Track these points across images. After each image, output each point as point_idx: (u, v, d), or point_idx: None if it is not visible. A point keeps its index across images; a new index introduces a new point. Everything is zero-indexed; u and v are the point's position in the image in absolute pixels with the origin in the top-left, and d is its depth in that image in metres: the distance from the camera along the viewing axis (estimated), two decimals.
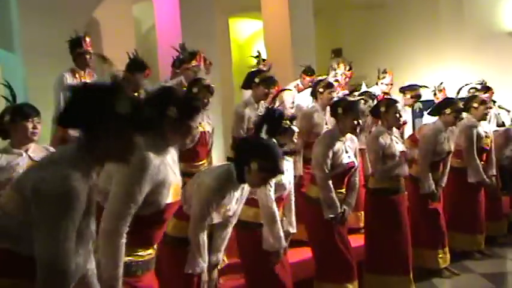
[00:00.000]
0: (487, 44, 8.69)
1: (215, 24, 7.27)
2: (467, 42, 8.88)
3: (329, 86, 4.76)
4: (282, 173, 2.74)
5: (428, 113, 4.92)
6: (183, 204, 2.73)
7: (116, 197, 2.01)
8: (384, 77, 6.10)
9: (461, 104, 4.73)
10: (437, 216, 4.75)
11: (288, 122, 3.28)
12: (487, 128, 5.38)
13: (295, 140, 3.41)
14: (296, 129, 3.36)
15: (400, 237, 4.20)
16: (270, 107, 3.48)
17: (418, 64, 9.09)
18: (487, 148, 5.30)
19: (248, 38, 11.92)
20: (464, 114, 5.03)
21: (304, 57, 8.04)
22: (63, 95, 4.10)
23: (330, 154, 3.70)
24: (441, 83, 5.04)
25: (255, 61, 4.80)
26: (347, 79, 6.09)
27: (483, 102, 5.17)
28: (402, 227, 4.23)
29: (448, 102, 4.69)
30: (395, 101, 4.32)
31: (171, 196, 2.16)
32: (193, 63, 4.62)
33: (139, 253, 2.17)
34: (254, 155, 2.61)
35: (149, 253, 2.22)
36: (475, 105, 5.12)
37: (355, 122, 3.72)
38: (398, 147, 4.23)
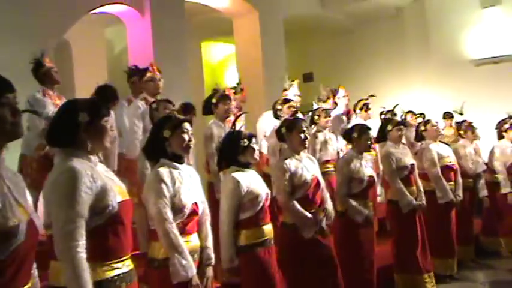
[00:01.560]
0: (450, 71, 8.98)
1: (187, 47, 7.33)
2: (432, 69, 9.18)
3: (286, 101, 5.08)
4: (187, 119, 2.91)
5: (376, 141, 5.11)
6: (151, 221, 2.73)
7: (59, 217, 1.99)
8: (337, 92, 6.67)
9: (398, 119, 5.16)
10: (421, 240, 4.78)
11: (245, 141, 3.31)
12: (445, 148, 5.55)
13: (257, 158, 3.43)
14: (256, 146, 3.38)
15: (364, 262, 4.24)
16: (231, 130, 3.53)
17: (385, 89, 9.30)
18: (451, 166, 5.43)
19: (221, 60, 12.01)
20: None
21: (275, 81, 8.18)
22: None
23: (287, 176, 3.66)
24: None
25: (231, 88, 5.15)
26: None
27: (432, 124, 5.47)
28: (367, 253, 4.26)
29: (387, 121, 5.03)
30: (368, 128, 4.47)
31: (119, 196, 2.15)
32: (149, 74, 4.73)
33: (118, 265, 2.14)
34: (160, 128, 2.82)
35: (127, 264, 2.19)
36: (423, 128, 5.44)
37: (302, 136, 3.74)
38: (367, 171, 4.33)
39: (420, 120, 6.29)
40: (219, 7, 8.17)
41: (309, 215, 3.62)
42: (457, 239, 5.40)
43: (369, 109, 6.57)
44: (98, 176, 2.11)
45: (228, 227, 3.23)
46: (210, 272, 2.87)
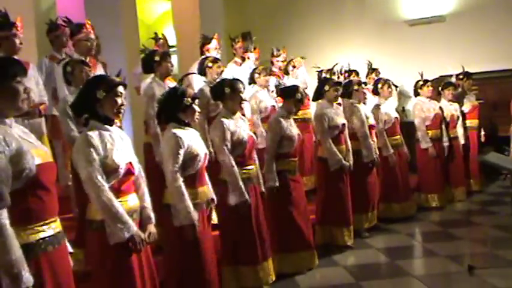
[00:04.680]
0: (385, 31, 9.13)
1: (121, 4, 7.01)
2: (368, 29, 9.29)
3: (216, 60, 4.99)
4: (122, 82, 2.83)
5: (313, 100, 5.33)
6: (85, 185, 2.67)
7: None
8: (278, 55, 6.71)
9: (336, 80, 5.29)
10: (345, 197, 5.03)
11: (189, 100, 3.30)
12: (367, 109, 5.81)
13: (196, 120, 3.46)
14: (197, 108, 3.38)
15: (298, 215, 4.41)
16: (175, 86, 3.49)
17: (324, 48, 9.38)
18: (373, 125, 5.73)
19: (157, 18, 11.64)
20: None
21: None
22: None
23: (228, 135, 3.77)
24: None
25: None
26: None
27: (360, 83, 5.66)
28: (299, 205, 4.46)
29: (324, 81, 5.14)
30: (298, 86, 4.61)
31: (38, 158, 2.09)
32: (83, 33, 4.60)
33: (42, 228, 2.11)
34: (93, 88, 2.72)
35: (54, 227, 2.17)
36: (356, 87, 5.54)
37: (242, 96, 3.91)
38: (294, 130, 4.47)
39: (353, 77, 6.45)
40: None
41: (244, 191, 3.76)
42: (397, 197, 5.99)
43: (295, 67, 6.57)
44: (13, 138, 2.02)
45: (179, 182, 3.18)
46: (151, 228, 2.89)
